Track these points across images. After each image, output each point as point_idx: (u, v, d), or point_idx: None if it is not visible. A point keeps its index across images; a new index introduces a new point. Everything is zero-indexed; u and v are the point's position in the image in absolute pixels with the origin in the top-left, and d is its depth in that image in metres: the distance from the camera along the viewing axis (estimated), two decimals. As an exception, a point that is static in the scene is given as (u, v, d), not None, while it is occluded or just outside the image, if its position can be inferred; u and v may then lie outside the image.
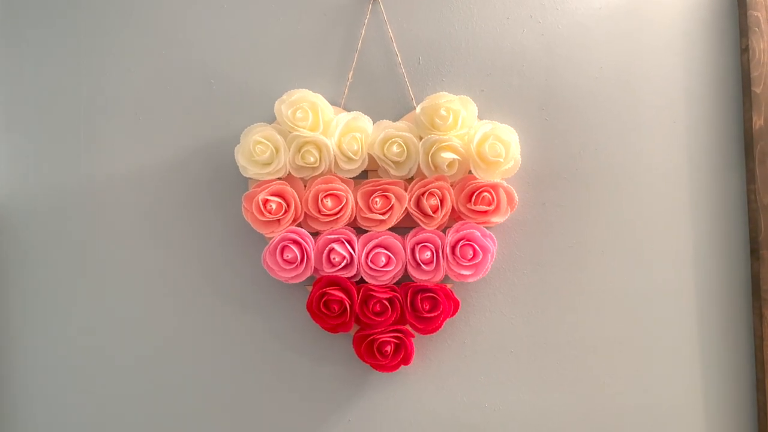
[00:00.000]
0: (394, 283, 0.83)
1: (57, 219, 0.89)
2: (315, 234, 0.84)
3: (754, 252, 0.87)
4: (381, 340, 0.82)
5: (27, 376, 0.90)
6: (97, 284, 0.89)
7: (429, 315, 0.82)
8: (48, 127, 0.90)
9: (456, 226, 0.82)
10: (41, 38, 0.90)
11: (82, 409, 0.89)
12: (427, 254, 0.81)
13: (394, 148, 0.81)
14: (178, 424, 0.88)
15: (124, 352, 0.89)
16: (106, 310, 0.89)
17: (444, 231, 0.83)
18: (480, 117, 0.85)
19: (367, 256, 0.82)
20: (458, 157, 0.81)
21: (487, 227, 0.84)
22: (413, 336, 0.84)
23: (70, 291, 0.89)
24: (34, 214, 0.90)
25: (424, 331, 0.83)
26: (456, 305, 0.83)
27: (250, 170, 0.82)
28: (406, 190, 0.83)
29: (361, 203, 0.82)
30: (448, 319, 0.83)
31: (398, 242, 0.82)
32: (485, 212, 0.82)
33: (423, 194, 0.82)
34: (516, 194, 0.83)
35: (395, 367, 0.83)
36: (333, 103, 0.86)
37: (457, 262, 0.81)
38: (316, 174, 0.83)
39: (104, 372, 0.89)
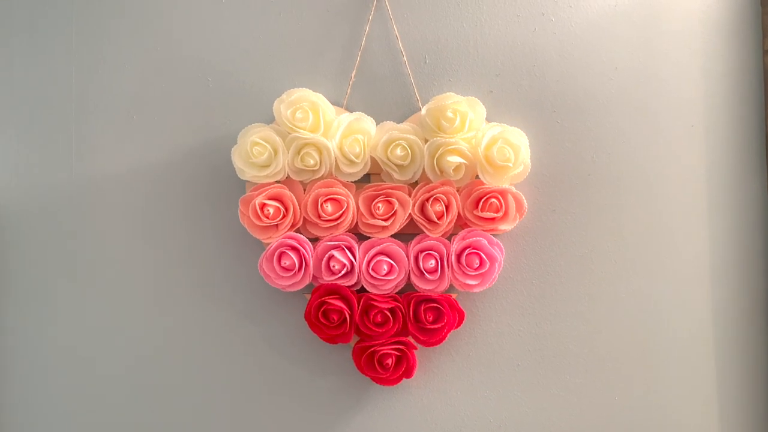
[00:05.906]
0: (396, 293, 0.80)
1: (47, 221, 0.87)
2: (314, 240, 0.81)
3: (776, 264, 0.84)
4: (382, 352, 0.79)
5: (15, 379, 0.87)
6: (88, 289, 0.86)
7: (432, 326, 0.79)
8: (39, 126, 0.87)
9: (462, 233, 0.79)
10: (32, 33, 0.87)
11: (71, 416, 0.86)
12: (432, 263, 0.78)
13: (398, 151, 0.78)
14: (170, 436, 0.86)
15: (115, 360, 0.86)
16: (97, 315, 0.86)
17: (449, 238, 0.81)
18: (488, 119, 0.82)
19: (368, 264, 0.79)
20: (465, 161, 0.78)
21: (494, 235, 0.81)
22: (416, 348, 0.81)
23: (60, 295, 0.86)
24: (24, 215, 0.87)
25: (428, 343, 0.80)
26: (461, 316, 0.80)
27: (247, 173, 0.79)
28: (410, 195, 0.80)
29: (362, 208, 0.79)
30: (452, 331, 0.80)
31: (401, 250, 0.79)
32: (493, 219, 0.79)
33: (428, 200, 0.79)
34: (525, 201, 0.80)
35: (397, 381, 0.81)
36: (335, 103, 0.83)
37: (463, 272, 0.78)
38: (316, 177, 0.80)
39: (94, 380, 0.86)
